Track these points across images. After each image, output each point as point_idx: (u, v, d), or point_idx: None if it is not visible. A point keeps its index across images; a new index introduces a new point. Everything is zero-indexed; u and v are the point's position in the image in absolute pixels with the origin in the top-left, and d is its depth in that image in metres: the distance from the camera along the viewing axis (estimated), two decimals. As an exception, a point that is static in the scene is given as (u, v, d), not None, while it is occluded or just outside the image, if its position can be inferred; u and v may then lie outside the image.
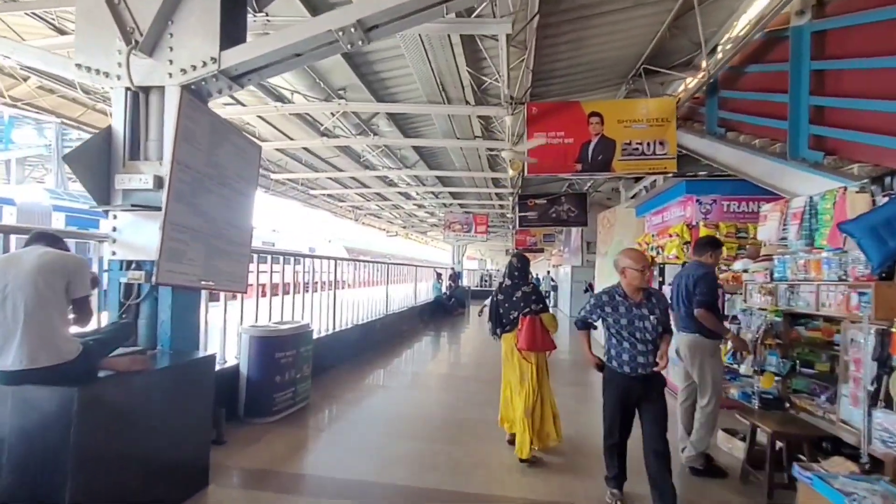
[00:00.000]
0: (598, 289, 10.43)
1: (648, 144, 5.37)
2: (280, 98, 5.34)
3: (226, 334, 3.99)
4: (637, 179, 9.69)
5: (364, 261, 7.99)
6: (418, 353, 7.94)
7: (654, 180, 7.82)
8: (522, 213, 11.66)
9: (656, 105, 5.35)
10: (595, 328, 2.83)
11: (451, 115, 5.52)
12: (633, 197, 9.53)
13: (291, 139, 6.83)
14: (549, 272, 18.86)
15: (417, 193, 12.22)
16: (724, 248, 3.91)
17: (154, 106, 2.81)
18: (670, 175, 5.57)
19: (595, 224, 15.04)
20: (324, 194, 12.20)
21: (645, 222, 6.58)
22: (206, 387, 2.80)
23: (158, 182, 2.74)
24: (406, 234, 23.46)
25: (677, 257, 4.92)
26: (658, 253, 5.68)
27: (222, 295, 4.12)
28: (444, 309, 13.90)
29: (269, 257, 4.70)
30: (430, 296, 13.63)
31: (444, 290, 15.64)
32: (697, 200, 4.79)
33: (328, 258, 6.47)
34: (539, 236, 20.75)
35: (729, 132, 5.15)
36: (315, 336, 5.62)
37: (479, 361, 7.00)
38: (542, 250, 25.76)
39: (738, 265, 3.97)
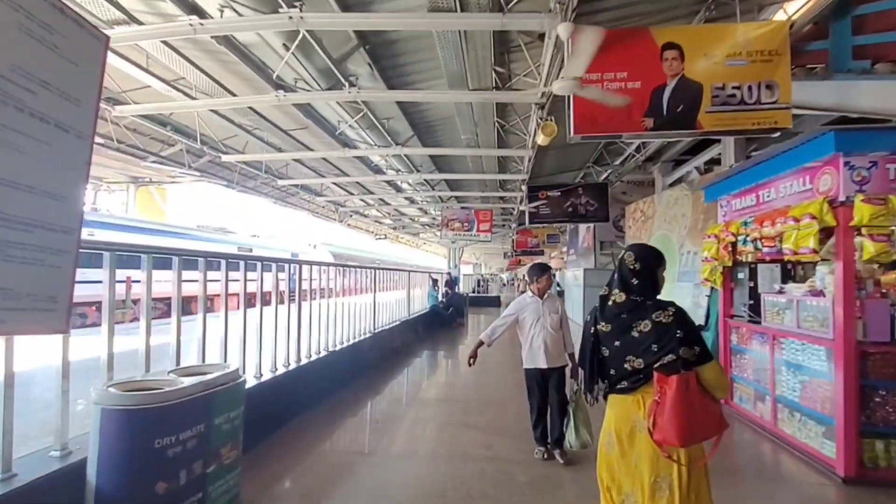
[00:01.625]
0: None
1: (750, 89, 3.71)
2: (197, 10, 3.48)
3: (68, 401, 2.19)
4: (677, 163, 8.09)
5: (345, 266, 6.21)
6: (414, 385, 6.15)
7: (719, 155, 6.20)
8: (533, 208, 9.99)
9: (760, 32, 3.68)
10: None
11: (469, 32, 3.66)
12: (674, 183, 7.91)
13: (233, 94, 5.01)
14: (554, 276, 17.21)
15: (409, 184, 10.43)
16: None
17: None
18: (777, 133, 3.90)
19: (606, 225, 13.47)
20: (295, 185, 10.38)
21: (718, 208, 4.90)
22: None
23: None
24: (396, 237, 21.62)
25: (815, 251, 3.22)
26: (757, 247, 4.00)
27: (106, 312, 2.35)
28: (442, 320, 12.13)
29: (174, 259, 2.88)
30: (425, 305, 11.87)
31: (440, 297, 13.93)
32: (847, 164, 3.11)
33: (292, 262, 4.68)
34: (542, 237, 19.08)
35: (877, 63, 3.50)
36: (270, 375, 3.86)
37: (500, 398, 5.23)
38: (542, 252, 24.23)
39: None
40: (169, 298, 2.91)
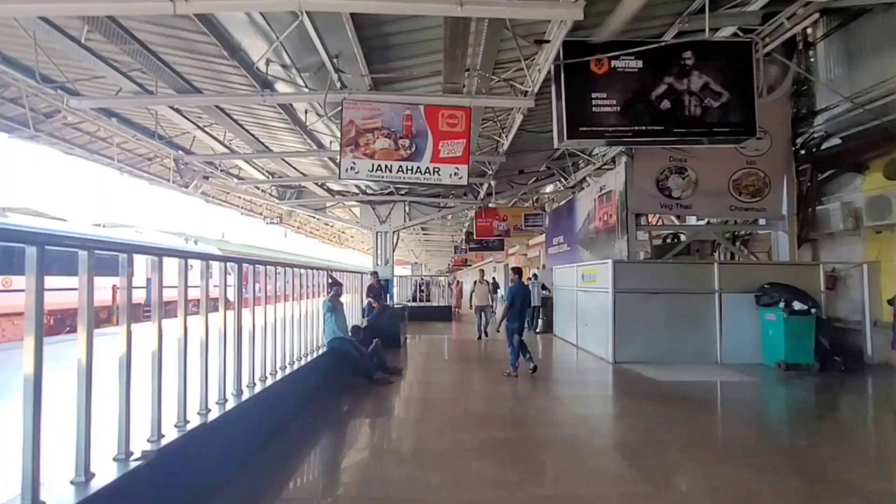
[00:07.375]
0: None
1: None
2: None
3: None
4: None
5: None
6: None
7: None
8: (577, 101, 4.06)
9: None
10: None
11: None
12: None
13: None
14: (535, 275, 11.58)
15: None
16: None
17: None
18: None
19: (644, 182, 8.03)
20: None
21: None
22: None
23: None
24: (289, 215, 14.62)
25: None
26: None
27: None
28: (356, 367, 5.78)
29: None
30: (321, 341, 5.51)
31: (362, 318, 7.76)
32: None
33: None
34: (517, 220, 13.28)
35: None
36: None
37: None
38: (501, 247, 18.66)
39: None
40: None
